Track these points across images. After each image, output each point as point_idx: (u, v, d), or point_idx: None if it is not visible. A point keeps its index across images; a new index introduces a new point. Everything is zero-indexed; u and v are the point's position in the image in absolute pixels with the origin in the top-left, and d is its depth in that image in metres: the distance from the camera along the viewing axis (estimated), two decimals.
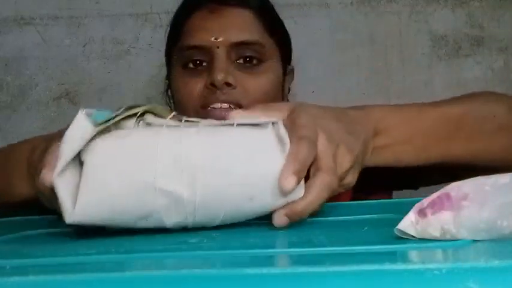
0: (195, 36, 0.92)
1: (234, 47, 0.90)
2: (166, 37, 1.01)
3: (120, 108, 0.53)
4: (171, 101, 0.99)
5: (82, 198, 0.50)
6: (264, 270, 0.35)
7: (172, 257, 0.45)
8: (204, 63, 0.91)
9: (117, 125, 0.53)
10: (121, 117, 0.52)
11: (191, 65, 0.92)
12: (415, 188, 0.90)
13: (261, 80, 0.91)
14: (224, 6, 0.92)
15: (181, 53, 0.94)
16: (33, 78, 1.27)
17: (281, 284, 0.35)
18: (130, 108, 0.53)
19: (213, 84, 0.88)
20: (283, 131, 0.55)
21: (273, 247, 0.45)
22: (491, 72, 1.26)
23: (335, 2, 1.28)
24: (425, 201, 0.43)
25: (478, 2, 1.26)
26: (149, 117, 0.53)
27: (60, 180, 0.50)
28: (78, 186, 0.50)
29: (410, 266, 0.35)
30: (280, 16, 0.98)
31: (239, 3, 0.93)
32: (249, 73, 0.91)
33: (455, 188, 0.43)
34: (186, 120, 0.54)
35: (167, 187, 0.51)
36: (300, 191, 0.54)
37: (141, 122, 0.54)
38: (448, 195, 0.42)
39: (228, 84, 0.88)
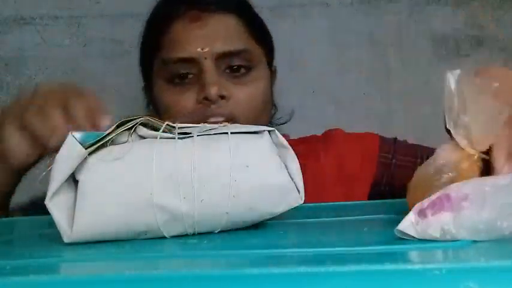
0: (180, 48, 0.86)
1: (221, 57, 0.86)
2: (139, 46, 0.95)
3: (111, 126, 0.52)
4: (157, 113, 0.92)
5: (79, 219, 0.50)
6: (264, 270, 0.35)
7: (172, 257, 0.46)
8: (190, 76, 0.87)
9: (110, 140, 0.52)
10: (112, 135, 0.51)
11: (177, 80, 0.87)
12: None
13: (252, 89, 0.87)
14: (206, 12, 0.87)
15: (166, 67, 0.88)
16: (33, 78, 1.26)
17: (281, 284, 0.35)
18: (123, 124, 0.52)
19: (206, 99, 0.84)
20: (281, 138, 0.54)
21: (273, 247, 0.45)
22: None
23: (335, 2, 1.28)
24: (426, 202, 0.43)
25: (478, 2, 1.26)
26: (142, 130, 0.53)
27: (53, 203, 0.50)
28: (73, 205, 0.50)
29: (410, 266, 0.35)
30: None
31: (220, 8, 0.88)
32: (239, 83, 0.87)
33: (455, 188, 0.43)
34: (179, 131, 0.53)
35: (165, 203, 0.50)
36: (299, 199, 0.54)
37: (133, 134, 0.53)
38: (448, 196, 0.42)
39: (222, 97, 0.84)
